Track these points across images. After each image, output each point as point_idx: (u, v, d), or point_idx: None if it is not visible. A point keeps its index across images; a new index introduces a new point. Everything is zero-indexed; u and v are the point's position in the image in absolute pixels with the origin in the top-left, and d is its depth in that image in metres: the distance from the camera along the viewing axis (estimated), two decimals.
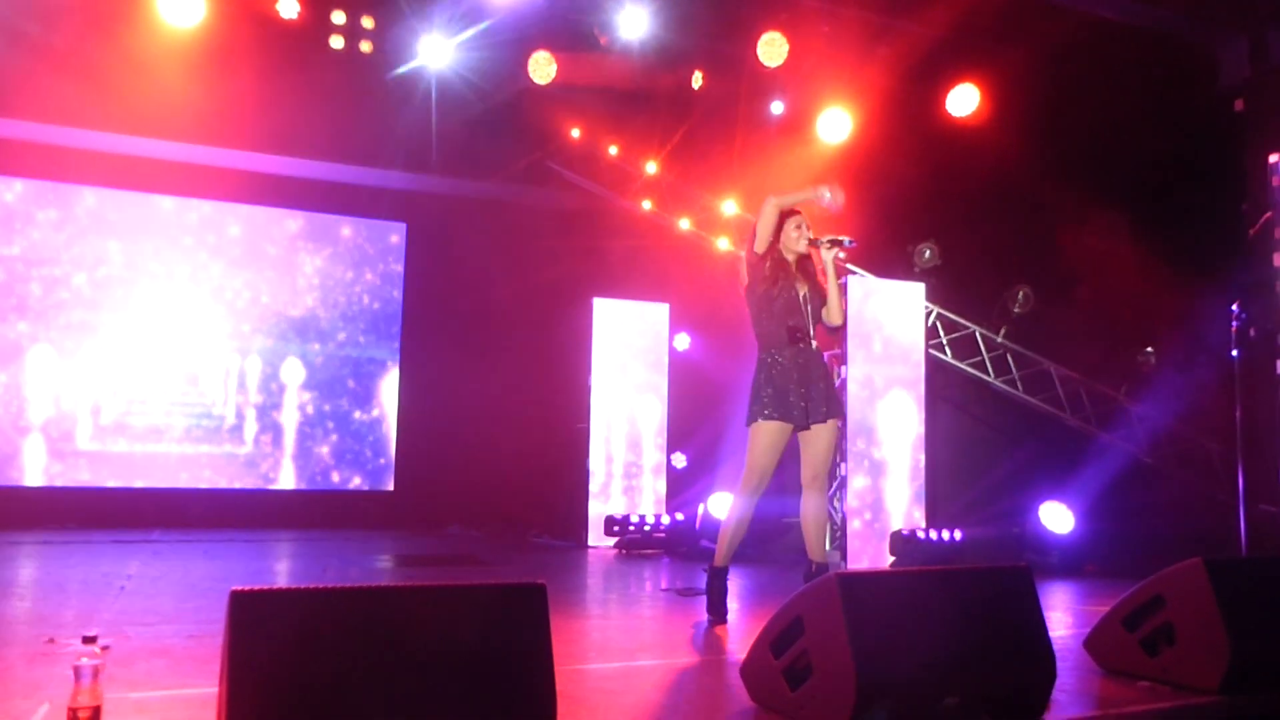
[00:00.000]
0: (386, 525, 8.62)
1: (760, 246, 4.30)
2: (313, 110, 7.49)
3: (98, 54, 6.72)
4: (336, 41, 7.44)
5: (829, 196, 4.26)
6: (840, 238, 4.31)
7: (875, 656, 2.41)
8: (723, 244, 8.48)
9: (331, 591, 2.06)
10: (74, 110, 7.30)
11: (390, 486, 9.21)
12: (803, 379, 4.21)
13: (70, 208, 8.43)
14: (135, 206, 8.61)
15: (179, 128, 7.56)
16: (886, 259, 8.14)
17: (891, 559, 6.91)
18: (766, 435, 4.18)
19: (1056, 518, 6.97)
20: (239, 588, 2.02)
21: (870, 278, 7.68)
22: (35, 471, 8.17)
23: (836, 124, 8.17)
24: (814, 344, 4.29)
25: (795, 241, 4.31)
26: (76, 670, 2.23)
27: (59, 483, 8.22)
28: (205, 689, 2.80)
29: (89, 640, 2.29)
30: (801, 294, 4.29)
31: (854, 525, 7.11)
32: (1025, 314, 8.22)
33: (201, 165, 8.42)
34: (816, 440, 4.25)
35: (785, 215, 4.35)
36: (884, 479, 7.25)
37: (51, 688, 2.81)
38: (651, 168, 8.56)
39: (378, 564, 6.29)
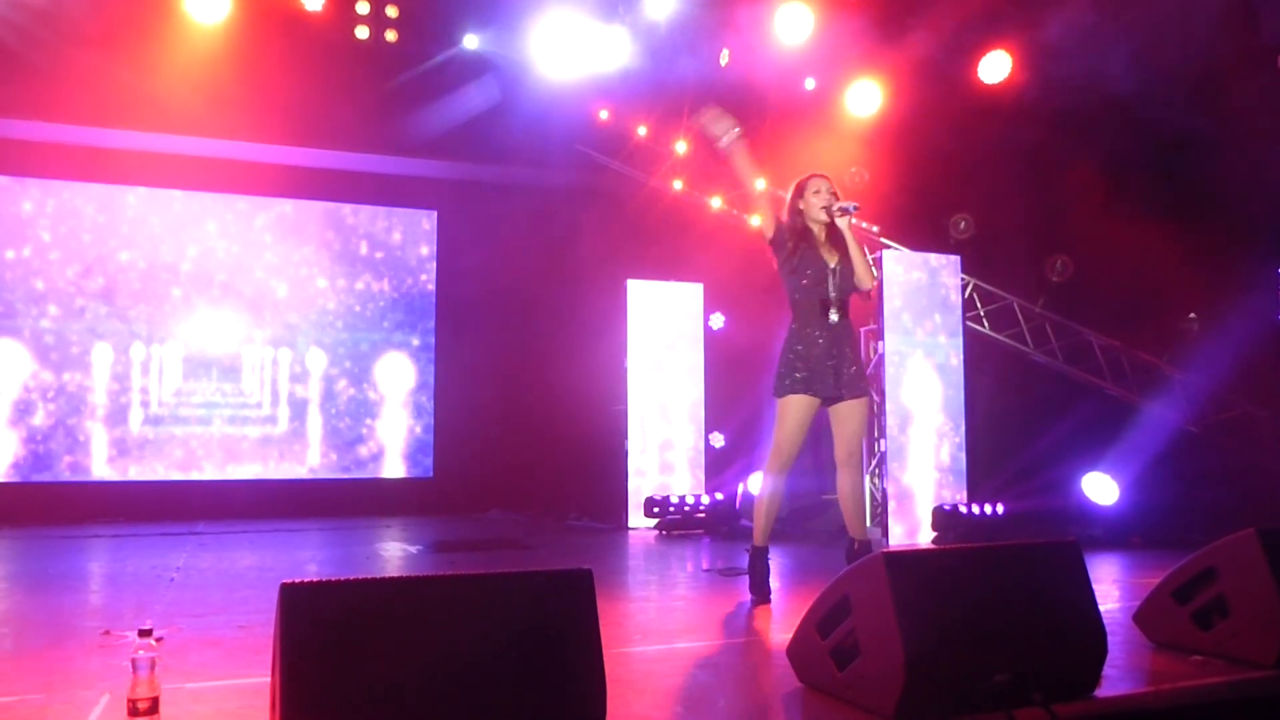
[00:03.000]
0: (427, 511, 8.70)
1: (767, 231, 4.29)
2: (340, 101, 7.52)
3: (136, 57, 6.78)
4: (361, 31, 7.46)
5: (718, 132, 4.25)
6: (844, 204, 4.25)
7: (924, 635, 2.39)
8: (755, 222, 8.43)
9: (379, 582, 2.08)
10: (115, 112, 7.38)
11: (430, 473, 9.28)
12: (831, 352, 4.17)
13: (112, 207, 8.53)
14: (174, 204, 8.70)
15: (212, 124, 7.63)
16: (921, 231, 8.06)
17: (933, 535, 6.87)
18: (794, 409, 4.16)
19: (1101, 489, 6.88)
20: (288, 580, 2.04)
21: (904, 250, 7.60)
22: (83, 467, 8.32)
23: (866, 97, 8.07)
24: (844, 317, 4.24)
25: (815, 209, 4.26)
26: (134, 662, 2.28)
27: (105, 478, 8.37)
28: (257, 679, 2.85)
29: (145, 633, 2.33)
30: (831, 265, 4.23)
31: (893, 501, 7.07)
32: (1063, 283, 8.11)
33: (234, 160, 8.50)
34: (847, 418, 4.22)
35: (804, 183, 4.30)
36: (923, 454, 7.20)
37: (111, 679, 2.87)
38: (681, 147, 8.52)
39: (420, 550, 6.35)
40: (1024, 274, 8.19)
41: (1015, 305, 8.09)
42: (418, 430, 9.31)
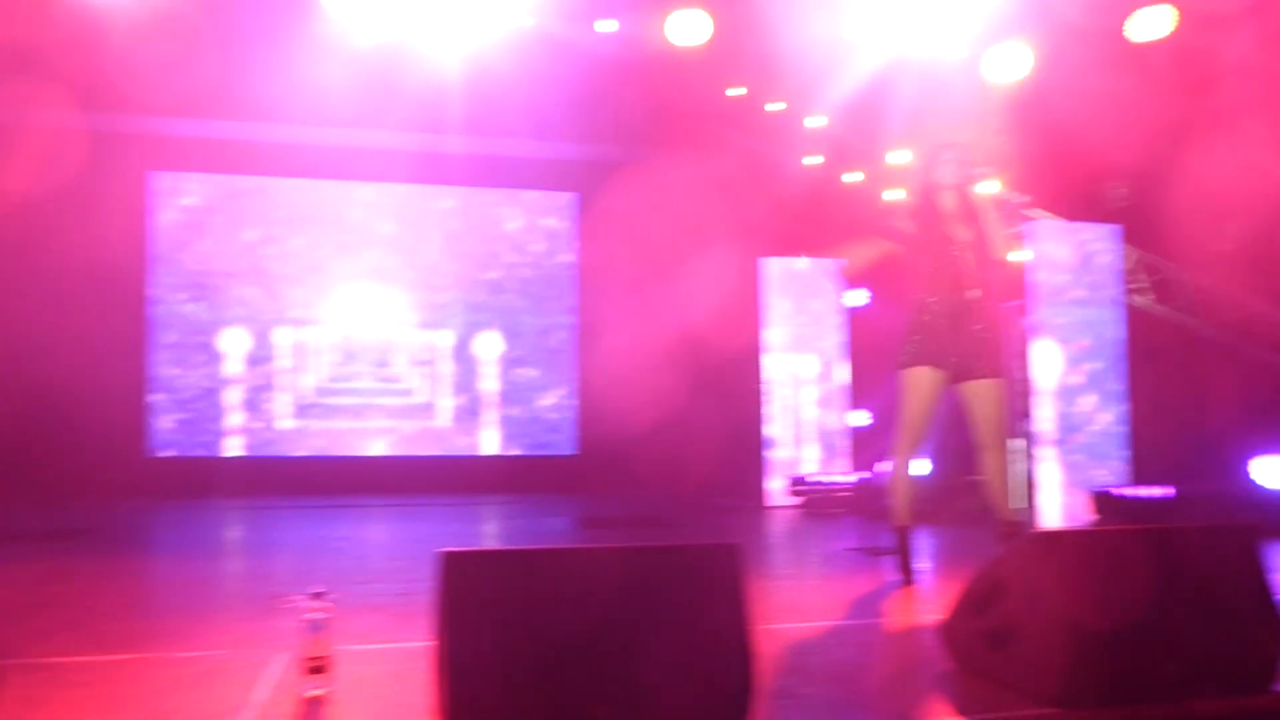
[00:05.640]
0: (570, 489, 8.88)
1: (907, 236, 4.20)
2: (482, 89, 7.69)
3: (288, 57, 7.08)
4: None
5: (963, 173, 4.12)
6: (976, 171, 4.08)
7: (1087, 619, 2.30)
8: (895, 195, 8.21)
9: (535, 552, 2.14)
10: (264, 108, 7.78)
11: (573, 450, 9.47)
12: (959, 327, 4.03)
13: (264, 199, 9.02)
14: (324, 194, 9.13)
15: (360, 116, 7.93)
16: (1076, 200, 7.68)
17: (1093, 518, 6.57)
18: (914, 382, 4.05)
19: (1274, 473, 6.44)
20: (448, 548, 2.13)
21: (1057, 220, 7.26)
22: (248, 444, 8.85)
23: (1012, 60, 7.72)
24: (974, 291, 4.08)
25: (945, 179, 4.11)
26: (310, 623, 2.42)
27: (270, 453, 8.88)
28: (418, 643, 2.98)
29: (317, 596, 2.46)
30: (961, 237, 4.09)
31: (1045, 482, 6.80)
32: (1233, 252, 7.58)
33: (383, 150, 8.82)
34: (981, 399, 4.07)
35: (933, 152, 4.16)
36: (1076, 434, 6.89)
37: (283, 640, 3.06)
38: (817, 122, 8.36)
39: (564, 526, 6.50)
40: (1192, 244, 7.70)
41: (1182, 277, 7.62)
42: (561, 409, 9.50)
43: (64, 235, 5.10)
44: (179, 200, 8.82)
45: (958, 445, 6.32)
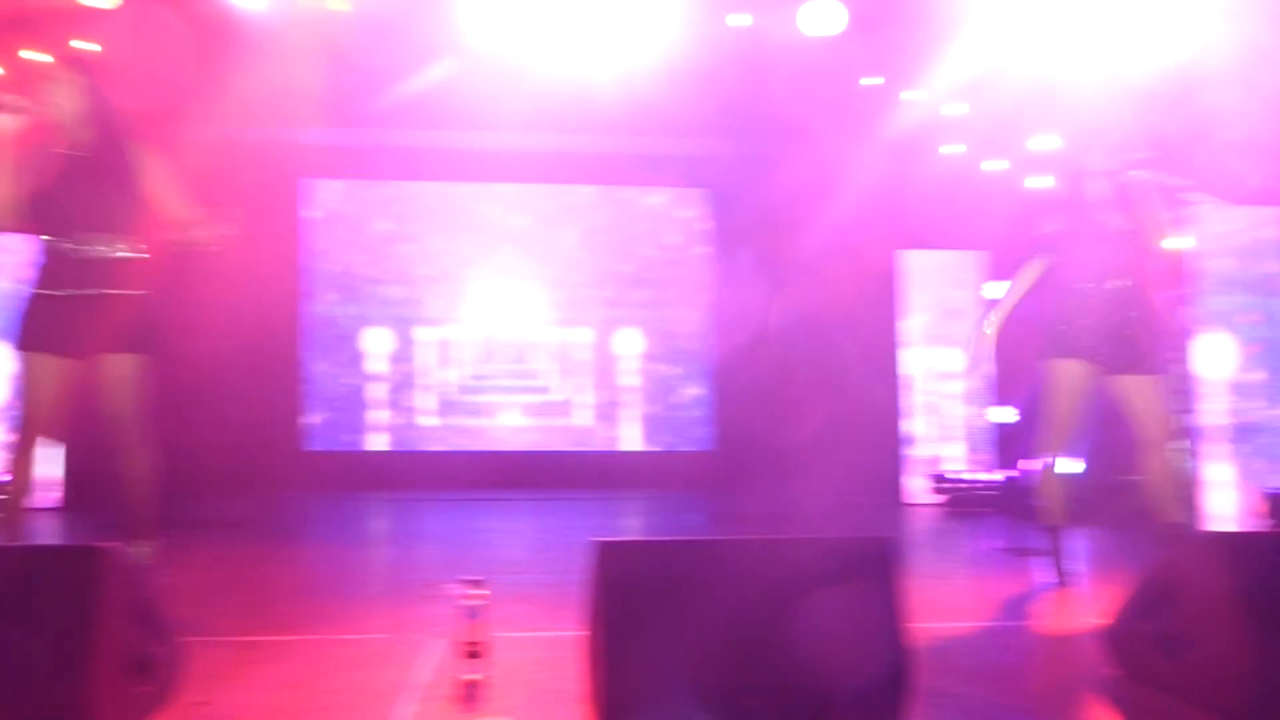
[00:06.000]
0: (707, 484, 8.86)
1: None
2: (615, 87, 7.74)
3: (424, 64, 7.31)
4: None
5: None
6: (1127, 157, 3.85)
7: (1273, 628, 2.16)
8: (1042, 183, 7.89)
9: (688, 543, 2.16)
10: (403, 114, 8.05)
11: (709, 446, 9.47)
12: (1107, 317, 3.84)
13: (404, 202, 9.35)
14: (462, 195, 9.40)
15: (494, 119, 8.09)
16: (1239, 183, 7.20)
17: (1268, 520, 6.17)
18: (1061, 376, 3.88)
19: None
20: (602, 538, 2.16)
21: (1222, 204, 6.83)
22: (392, 439, 9.20)
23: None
24: (1127, 281, 3.86)
25: (1097, 165, 3.91)
26: (467, 609, 2.50)
27: (414, 448, 9.21)
28: (566, 631, 3.04)
29: (473, 584, 2.54)
30: (1113, 225, 3.88)
31: (1213, 482, 6.41)
32: None
33: (518, 151, 9.00)
34: (1138, 395, 3.85)
35: (1084, 137, 3.96)
36: (1248, 430, 6.47)
37: (439, 625, 3.16)
38: (956, 110, 8.10)
39: (701, 521, 6.51)
40: None
41: None
42: (697, 404, 9.52)
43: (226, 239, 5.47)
44: (326, 205, 9.24)
45: (1114, 442, 6.01)
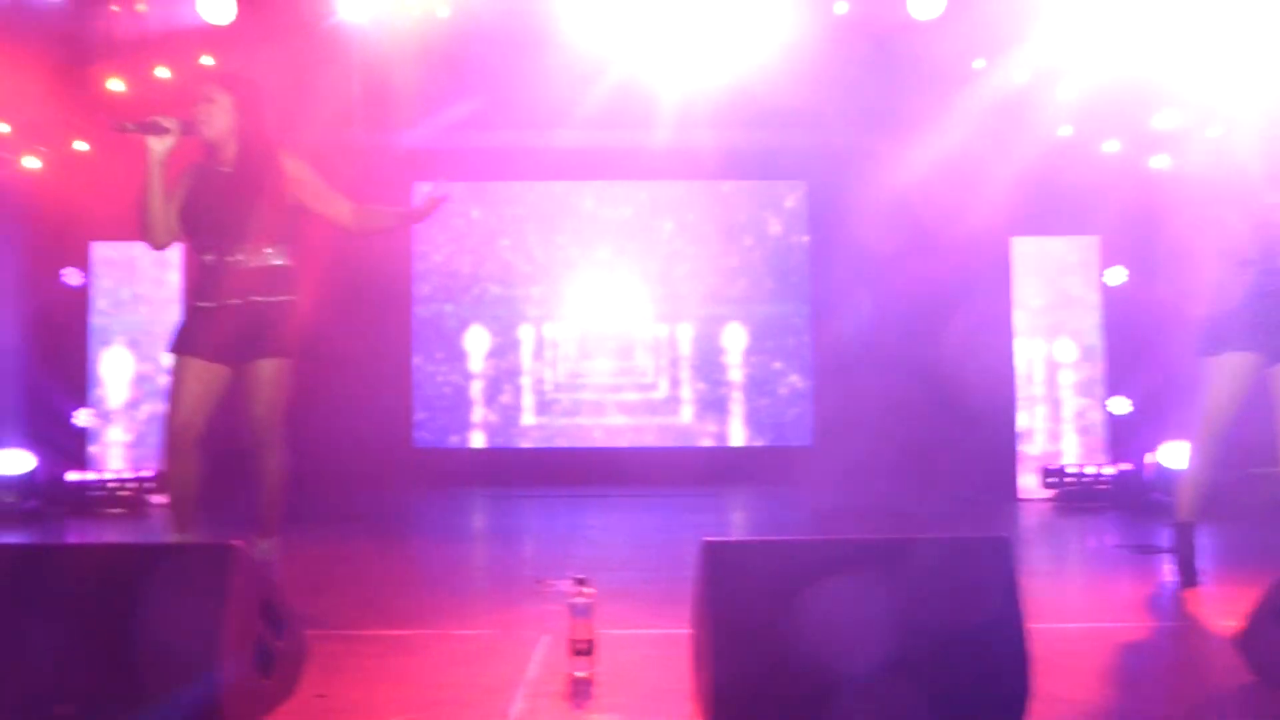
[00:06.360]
0: (807, 480, 8.76)
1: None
2: (715, 81, 7.71)
3: (514, 65, 7.40)
4: None
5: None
6: None
7: None
8: (1160, 163, 7.55)
9: (796, 542, 2.14)
10: (506, 116, 8.18)
11: (809, 441, 9.37)
12: (1276, 305, 3.61)
13: (503, 200, 9.49)
14: (556, 195, 9.49)
15: (595, 118, 8.14)
16: None
17: None
18: (1223, 370, 3.66)
19: None
20: (710, 538, 2.16)
21: None
22: (495, 436, 9.36)
23: None
24: None
25: (1249, 134, 3.68)
26: (574, 607, 2.53)
27: (517, 445, 9.35)
28: (670, 629, 3.05)
29: (580, 582, 2.57)
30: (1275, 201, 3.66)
31: None
32: None
33: (618, 148, 9.04)
34: None
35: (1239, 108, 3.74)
36: None
37: (548, 622, 3.21)
38: (1066, 91, 7.81)
39: (804, 517, 6.45)
40: None
41: None
42: (797, 400, 9.43)
43: (340, 244, 5.62)
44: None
45: (1250, 434, 5.72)
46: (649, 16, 7.01)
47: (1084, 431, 7.54)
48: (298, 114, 6.19)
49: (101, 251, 7.55)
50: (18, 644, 2.06)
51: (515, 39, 7.17)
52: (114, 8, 6.42)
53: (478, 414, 9.37)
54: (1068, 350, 7.65)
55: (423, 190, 3.43)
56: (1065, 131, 7.95)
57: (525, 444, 9.34)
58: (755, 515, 6.55)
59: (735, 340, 9.47)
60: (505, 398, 9.39)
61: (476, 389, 9.38)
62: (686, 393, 9.41)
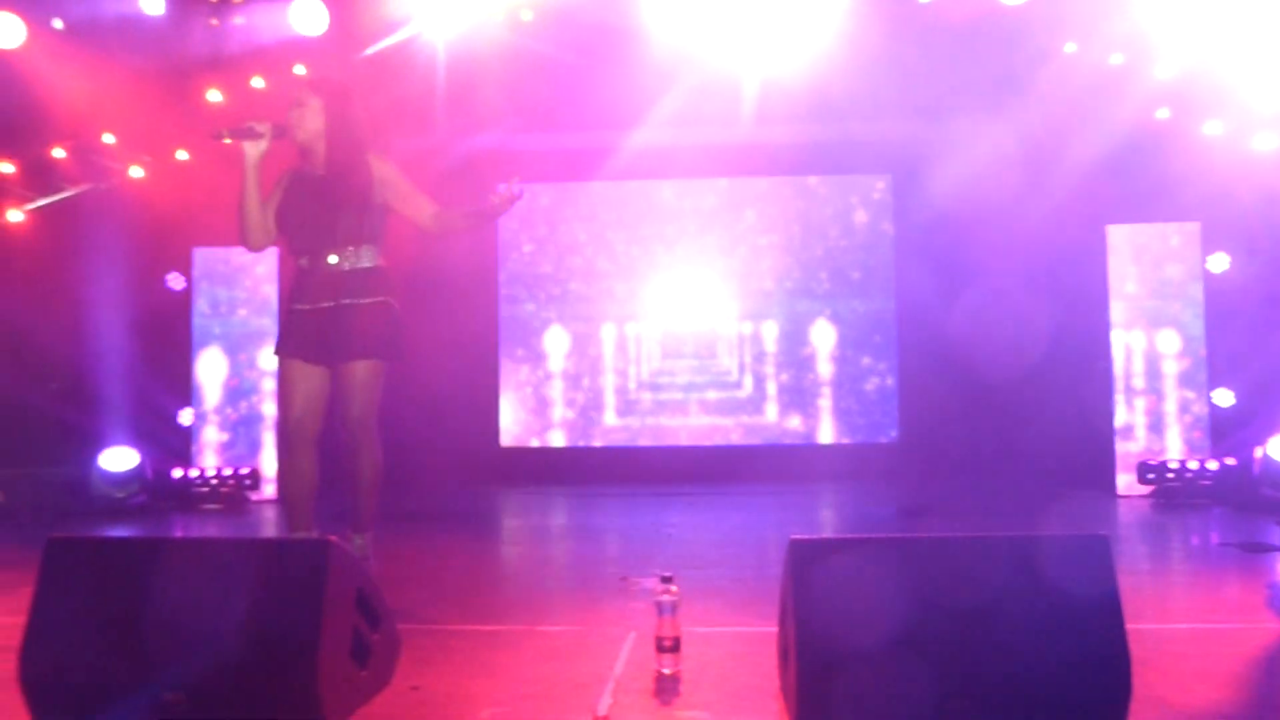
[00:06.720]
0: (892, 477, 8.64)
1: None
2: (795, 75, 7.64)
3: (596, 66, 7.43)
4: None
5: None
6: None
7: None
8: (1265, 143, 7.22)
9: (886, 540, 2.11)
10: (585, 117, 8.24)
11: (896, 437, 9.23)
12: None
13: (585, 200, 9.55)
14: (636, 194, 9.52)
15: (674, 116, 8.13)
16: None
17: None
18: None
19: None
20: (797, 535, 2.14)
21: None
22: (579, 435, 9.43)
23: None
24: None
25: None
26: (660, 605, 2.54)
27: (600, 443, 9.41)
28: (758, 628, 3.04)
29: (666, 580, 2.58)
30: None
31: None
32: None
33: (698, 145, 9.02)
34: None
35: None
36: None
37: (634, 619, 3.23)
38: (1163, 72, 7.51)
39: (890, 514, 6.35)
40: None
41: None
42: (882, 395, 9.30)
43: (426, 244, 5.73)
44: (519, 208, 9.56)
45: None
46: (730, 12, 6.99)
47: (1187, 425, 7.27)
48: (385, 118, 6.34)
49: (202, 256, 7.85)
50: (132, 633, 2.16)
51: (597, 40, 7.21)
52: (212, 21, 6.66)
53: (562, 413, 9.47)
54: (1169, 341, 7.38)
55: (499, 189, 3.44)
56: (1163, 114, 7.66)
57: (608, 442, 9.41)
58: (842, 512, 6.48)
59: (820, 336, 9.38)
60: (588, 396, 9.46)
61: (560, 388, 9.48)
62: (771, 389, 9.36)
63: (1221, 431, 7.28)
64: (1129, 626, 2.66)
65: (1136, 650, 2.62)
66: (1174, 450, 7.22)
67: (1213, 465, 6.82)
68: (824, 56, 7.33)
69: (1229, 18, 6.64)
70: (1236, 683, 2.46)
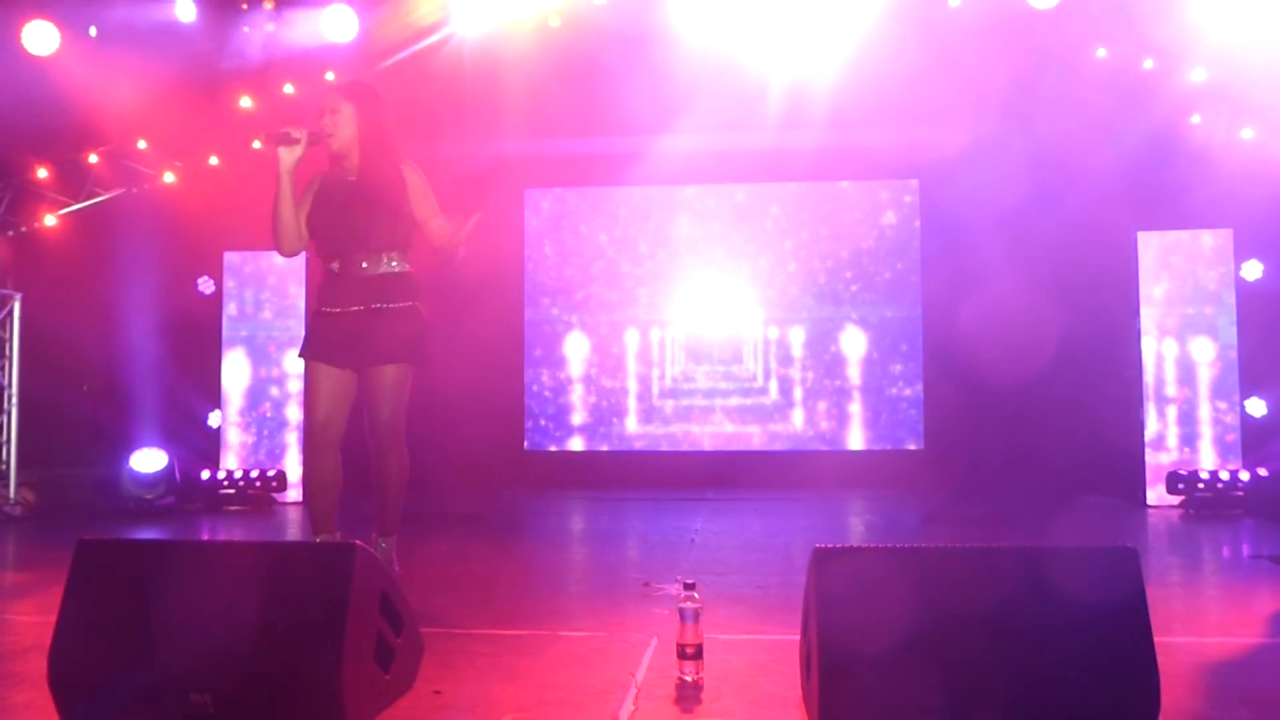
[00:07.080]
0: (917, 484, 8.58)
1: None
2: (821, 78, 7.61)
3: (624, 72, 7.44)
4: None
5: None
6: None
7: None
8: None
9: (911, 550, 2.09)
10: (611, 121, 8.26)
11: (920, 444, 9.17)
12: None
13: (610, 204, 9.57)
14: (660, 198, 9.52)
15: (699, 121, 8.13)
16: None
17: None
18: None
19: None
20: (821, 544, 2.13)
21: None
22: (603, 439, 9.44)
23: None
24: None
25: None
26: (682, 612, 2.53)
27: (624, 448, 9.41)
28: (780, 635, 3.02)
29: (689, 586, 2.57)
30: None
31: None
32: None
33: (723, 150, 9.02)
34: None
35: None
36: None
37: (655, 625, 3.23)
38: (1195, 77, 7.42)
39: (915, 522, 6.30)
40: None
41: None
42: (907, 402, 9.24)
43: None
44: (543, 212, 9.60)
45: None
46: (758, 16, 6.98)
47: (1218, 435, 7.17)
48: (415, 124, 6.38)
49: (232, 260, 7.93)
50: (159, 634, 2.18)
51: (623, 45, 7.23)
52: (245, 29, 6.74)
53: (586, 418, 9.48)
54: (1202, 349, 7.29)
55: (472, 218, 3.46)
56: (1194, 120, 7.58)
57: (632, 447, 9.40)
58: (863, 519, 6.44)
59: (846, 342, 9.34)
60: (612, 401, 9.47)
61: (583, 393, 9.49)
62: (797, 394, 9.32)
63: (1254, 441, 7.18)
64: (1157, 639, 2.63)
65: (1164, 663, 2.59)
66: (1205, 460, 7.12)
67: (1244, 476, 6.72)
68: (852, 60, 7.31)
69: (1262, 22, 6.55)
70: (1266, 698, 2.42)
